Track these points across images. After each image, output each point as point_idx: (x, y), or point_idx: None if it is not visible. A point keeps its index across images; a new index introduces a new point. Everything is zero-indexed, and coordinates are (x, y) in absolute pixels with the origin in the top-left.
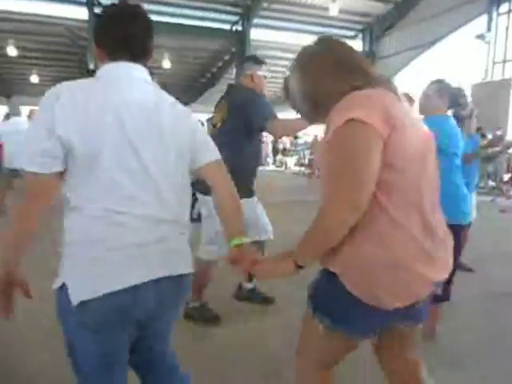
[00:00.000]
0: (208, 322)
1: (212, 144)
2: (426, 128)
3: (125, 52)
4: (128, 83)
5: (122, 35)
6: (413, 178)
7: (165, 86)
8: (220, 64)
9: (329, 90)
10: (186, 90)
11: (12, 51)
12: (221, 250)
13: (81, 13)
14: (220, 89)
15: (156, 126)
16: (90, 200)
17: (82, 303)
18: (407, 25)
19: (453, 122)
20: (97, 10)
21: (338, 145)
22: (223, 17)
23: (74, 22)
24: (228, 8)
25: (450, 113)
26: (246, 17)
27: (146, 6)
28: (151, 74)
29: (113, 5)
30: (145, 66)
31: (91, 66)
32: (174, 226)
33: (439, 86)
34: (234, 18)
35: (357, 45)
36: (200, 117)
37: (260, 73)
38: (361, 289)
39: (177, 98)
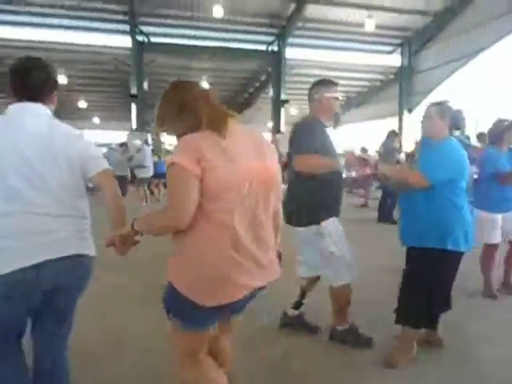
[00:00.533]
0: (361, 345)
1: (99, 158)
2: (262, 161)
3: (24, 95)
4: (26, 118)
5: (21, 84)
6: (225, 204)
7: None
8: (257, 84)
9: (172, 126)
10: None
11: (63, 80)
12: (352, 272)
13: (125, 41)
14: (257, 108)
15: (49, 149)
16: None
17: None
18: (447, 37)
19: (457, 144)
20: (139, 38)
21: (168, 179)
22: (259, 38)
23: (118, 50)
24: (263, 29)
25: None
26: (282, 37)
27: (183, 32)
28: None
29: (18, 59)
30: (45, 103)
31: (133, 91)
32: (63, 219)
33: (440, 108)
34: (270, 39)
35: (394, 60)
36: None
37: (328, 95)
38: (189, 291)
39: None
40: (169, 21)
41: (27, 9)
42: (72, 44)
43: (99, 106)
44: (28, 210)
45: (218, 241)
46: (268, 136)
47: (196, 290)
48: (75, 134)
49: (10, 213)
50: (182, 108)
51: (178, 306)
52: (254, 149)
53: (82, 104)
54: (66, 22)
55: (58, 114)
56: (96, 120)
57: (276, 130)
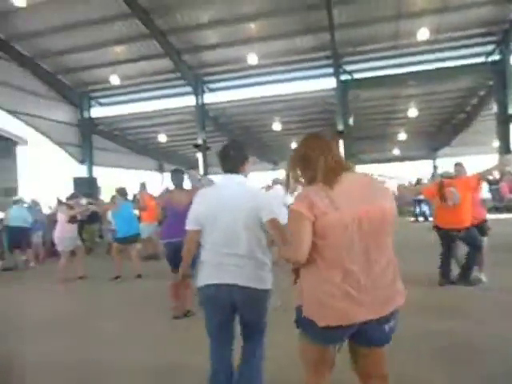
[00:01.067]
0: None
1: (271, 207)
2: (369, 205)
3: (227, 170)
4: (229, 184)
5: (223, 163)
6: (334, 243)
7: (411, 136)
8: (474, 101)
9: (297, 177)
10: (435, 135)
11: (277, 127)
12: None
13: (330, 83)
14: (477, 129)
15: (237, 203)
16: (207, 241)
17: (199, 288)
18: None
19: None
20: (343, 77)
21: (288, 221)
22: (474, 50)
23: (324, 92)
24: (479, 40)
25: None
26: (504, 43)
27: (386, 62)
28: None
29: (224, 145)
30: (240, 172)
31: (339, 127)
32: (247, 259)
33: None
34: (489, 48)
35: None
36: (461, 159)
37: None
38: (308, 313)
39: (425, 145)
40: (371, 55)
41: (249, 72)
42: (285, 95)
43: None
44: (218, 249)
45: (330, 274)
46: (494, 158)
47: (313, 313)
48: (257, 191)
49: (208, 248)
50: (305, 163)
51: (303, 323)
52: (361, 194)
53: (294, 145)
54: (279, 76)
55: (275, 156)
56: None
57: (504, 149)
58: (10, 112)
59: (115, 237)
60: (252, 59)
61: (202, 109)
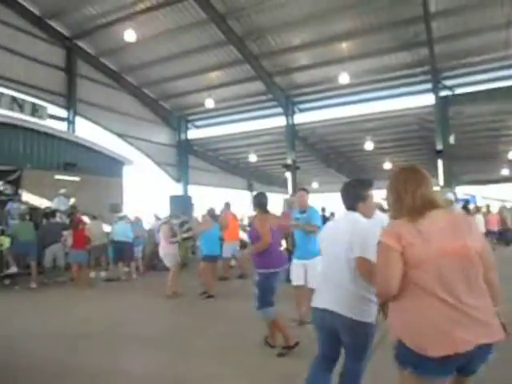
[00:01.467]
0: None
1: (361, 245)
2: (459, 241)
3: (346, 207)
4: (342, 220)
5: (342, 200)
6: (424, 274)
7: None
8: None
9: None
10: None
11: (369, 146)
12: None
13: (427, 99)
14: None
15: (342, 238)
16: (322, 269)
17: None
18: None
19: None
20: (442, 93)
21: (376, 254)
22: None
23: (421, 109)
24: None
25: None
26: None
27: (493, 75)
28: None
29: (345, 183)
30: (355, 210)
31: (439, 147)
32: (347, 290)
33: None
34: None
35: None
36: None
37: None
38: (411, 343)
39: None
40: (476, 68)
41: (340, 91)
42: (379, 113)
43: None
44: (327, 278)
45: (425, 299)
46: None
47: (416, 343)
48: (359, 226)
49: (322, 275)
50: (394, 195)
51: (406, 357)
52: (451, 230)
53: (387, 165)
54: (372, 94)
55: (367, 176)
56: None
57: None
58: (118, 135)
59: (206, 255)
60: (343, 79)
61: (291, 129)
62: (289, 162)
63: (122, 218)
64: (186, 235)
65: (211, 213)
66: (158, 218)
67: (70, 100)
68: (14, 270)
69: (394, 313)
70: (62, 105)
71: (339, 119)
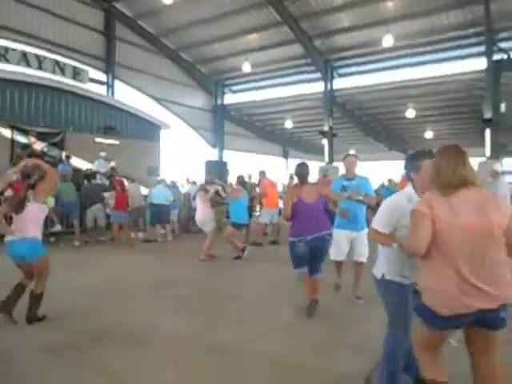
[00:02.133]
0: None
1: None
2: (482, 217)
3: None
4: None
5: None
6: (448, 245)
7: None
8: None
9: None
10: None
11: (411, 113)
12: None
13: (478, 64)
14: None
15: None
16: None
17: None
18: None
19: None
20: (497, 57)
21: (410, 220)
22: None
23: (469, 75)
24: None
25: None
26: None
27: None
28: None
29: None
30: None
31: (487, 115)
32: None
33: None
34: None
35: None
36: None
37: None
38: (426, 300)
39: None
40: None
41: (383, 55)
42: (423, 78)
43: (447, 135)
44: None
45: (444, 269)
46: None
47: (432, 302)
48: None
49: None
50: (436, 173)
51: (421, 308)
52: (476, 207)
53: (429, 134)
54: (417, 59)
55: (405, 145)
56: None
57: None
58: (155, 99)
59: (234, 222)
60: (387, 41)
61: (330, 95)
62: (326, 128)
63: (160, 182)
64: (220, 200)
65: (240, 180)
66: (193, 183)
67: (109, 64)
68: (58, 228)
69: (420, 270)
70: (102, 68)
71: (380, 85)
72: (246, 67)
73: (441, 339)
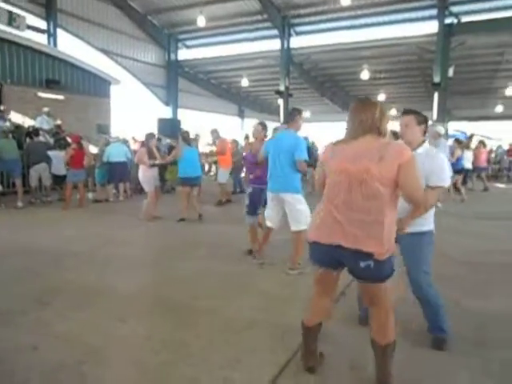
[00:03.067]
0: None
1: None
2: (355, 163)
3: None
4: None
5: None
6: (329, 184)
7: None
8: None
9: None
10: None
11: (365, 75)
12: None
13: (430, 27)
14: None
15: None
16: None
17: None
18: None
19: None
20: (447, 21)
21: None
22: None
23: (421, 38)
24: None
25: None
26: None
27: (503, 3)
28: None
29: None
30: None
31: (436, 79)
32: None
33: None
34: None
35: None
36: None
37: None
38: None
39: None
40: None
41: (340, 14)
42: (379, 40)
43: (398, 98)
44: None
45: (325, 205)
46: None
47: (309, 235)
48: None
49: None
50: (346, 124)
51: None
52: (355, 154)
53: (381, 97)
54: (373, 19)
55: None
56: (393, 111)
57: None
58: (103, 51)
59: (181, 178)
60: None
61: (287, 53)
62: (282, 88)
63: (116, 139)
64: (171, 159)
65: (185, 136)
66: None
67: (49, 9)
68: None
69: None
70: (41, 15)
71: (336, 45)
72: (201, 21)
73: (322, 278)
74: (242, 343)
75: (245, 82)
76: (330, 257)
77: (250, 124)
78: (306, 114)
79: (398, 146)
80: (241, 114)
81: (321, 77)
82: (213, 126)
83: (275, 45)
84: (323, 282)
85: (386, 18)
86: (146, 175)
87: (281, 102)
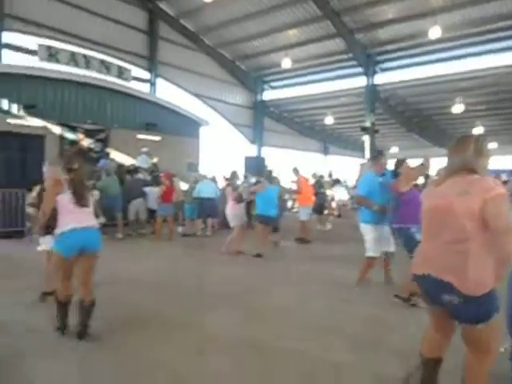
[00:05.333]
0: None
1: None
2: (444, 200)
3: None
4: None
5: None
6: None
7: None
8: None
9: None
10: None
11: (458, 108)
12: None
13: None
14: None
15: None
16: None
17: None
18: None
19: None
20: None
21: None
22: None
23: None
24: None
25: None
26: None
27: None
28: None
29: None
30: None
31: None
32: None
33: None
34: None
35: None
36: None
37: None
38: None
39: None
40: None
41: (427, 48)
42: (473, 71)
43: (498, 130)
44: None
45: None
46: None
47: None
48: None
49: None
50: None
51: None
52: (444, 191)
53: (479, 130)
54: (466, 50)
55: (445, 140)
56: (493, 145)
57: None
58: (196, 96)
59: (259, 214)
60: (434, 33)
61: (372, 90)
62: (367, 124)
63: (205, 177)
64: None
65: (267, 175)
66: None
67: (151, 62)
68: (102, 220)
69: None
70: (145, 67)
71: (425, 79)
72: (286, 63)
73: (431, 311)
74: None
75: (329, 120)
76: (425, 288)
77: (333, 160)
78: (394, 149)
79: (486, 182)
80: (325, 151)
81: (408, 112)
82: (294, 164)
83: (360, 82)
84: (433, 315)
85: (479, 48)
86: (234, 211)
87: (366, 138)
